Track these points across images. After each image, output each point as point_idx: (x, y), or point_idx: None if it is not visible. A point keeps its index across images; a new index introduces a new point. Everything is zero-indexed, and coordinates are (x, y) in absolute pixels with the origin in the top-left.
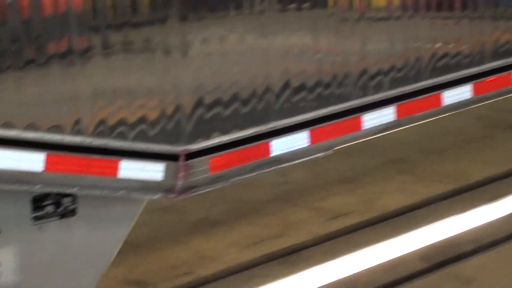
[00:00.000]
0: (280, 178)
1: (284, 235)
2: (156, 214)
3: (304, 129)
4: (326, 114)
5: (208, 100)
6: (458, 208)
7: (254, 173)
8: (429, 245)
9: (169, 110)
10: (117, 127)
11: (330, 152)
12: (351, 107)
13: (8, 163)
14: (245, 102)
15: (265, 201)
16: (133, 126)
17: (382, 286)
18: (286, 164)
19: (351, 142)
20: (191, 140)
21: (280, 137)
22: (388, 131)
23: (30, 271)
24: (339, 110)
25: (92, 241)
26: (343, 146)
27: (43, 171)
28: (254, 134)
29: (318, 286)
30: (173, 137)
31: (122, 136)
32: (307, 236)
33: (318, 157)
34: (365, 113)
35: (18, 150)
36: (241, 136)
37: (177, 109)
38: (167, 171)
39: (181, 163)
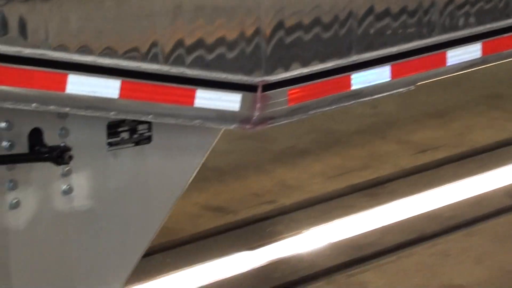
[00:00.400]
0: (370, 109)
1: (370, 167)
2: (242, 142)
3: (386, 64)
4: (409, 49)
5: (289, 23)
6: None
7: (333, 106)
8: None
9: (249, 32)
10: (195, 50)
11: (412, 87)
12: (435, 42)
13: (84, 89)
14: (327, 27)
15: (354, 132)
16: (211, 48)
17: (466, 221)
18: (366, 98)
19: (434, 78)
20: (270, 71)
21: (361, 71)
22: (473, 68)
23: (102, 197)
24: (423, 45)
25: (165, 169)
26: (425, 81)
27: (118, 97)
28: (335, 67)
29: (401, 219)
30: (251, 66)
31: (199, 62)
32: (393, 169)
33: (399, 92)
34: (450, 49)
35: (94, 76)
36: (322, 69)
37: (257, 31)
38: (243, 101)
39: (258, 94)
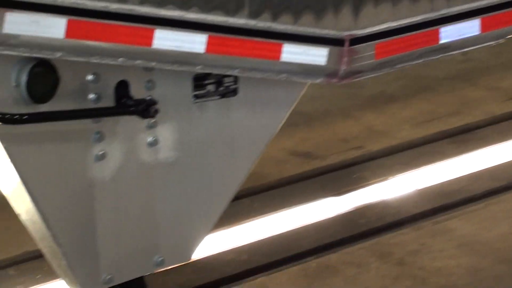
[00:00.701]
0: (461, 56)
1: (459, 114)
2: (330, 88)
3: (476, 17)
4: (499, 2)
5: None
6: None
7: (421, 60)
8: None
9: None
10: (282, 3)
11: (501, 40)
12: None
13: (170, 44)
14: None
15: (443, 78)
16: (298, 2)
17: None
18: (455, 52)
19: None
20: (357, 25)
21: (450, 25)
22: None
23: (187, 149)
24: None
25: (250, 122)
26: None
27: (205, 52)
28: (424, 20)
29: (490, 166)
30: (338, 20)
31: (286, 16)
32: (482, 116)
33: (489, 45)
34: None
35: (181, 31)
36: (410, 22)
37: None
38: (330, 55)
39: (346, 48)
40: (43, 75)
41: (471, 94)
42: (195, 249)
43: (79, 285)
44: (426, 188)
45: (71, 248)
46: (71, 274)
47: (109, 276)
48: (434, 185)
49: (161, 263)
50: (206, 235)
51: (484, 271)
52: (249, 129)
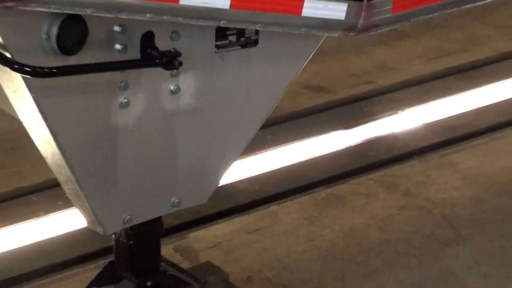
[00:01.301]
0: None
1: (468, 50)
2: None
3: None
4: None
5: None
6: None
7: (436, 14)
8: None
9: None
10: None
11: None
12: None
13: (197, 0)
14: None
15: (453, 16)
16: None
17: None
18: (467, 6)
19: None
20: None
21: None
22: None
23: (207, 97)
24: None
25: (269, 72)
26: None
27: (229, 8)
28: None
29: (496, 102)
30: None
31: None
32: (490, 53)
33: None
34: None
35: None
36: None
37: None
38: (349, 10)
39: (364, 3)
40: (73, 27)
41: (480, 31)
42: (211, 192)
43: (100, 225)
44: (433, 122)
45: (93, 191)
46: (93, 215)
47: (128, 217)
48: (441, 120)
49: (177, 204)
50: (221, 177)
51: (486, 202)
52: (268, 78)
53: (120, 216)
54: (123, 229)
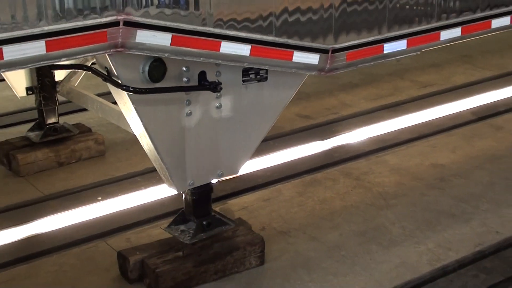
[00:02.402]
0: (395, 62)
1: (394, 95)
2: (320, 78)
3: (404, 38)
4: (417, 30)
5: (349, 8)
6: (498, 86)
7: (372, 63)
8: (478, 106)
9: (326, 16)
10: (294, 26)
11: (419, 52)
12: (433, 27)
13: (230, 50)
14: (371, 15)
15: (385, 74)
16: (303, 25)
17: (447, 127)
18: (391, 59)
19: (432, 47)
20: (336, 43)
21: (390, 42)
22: (455, 42)
23: (238, 110)
24: (425, 28)
25: (274, 96)
26: (425, 49)
27: (249, 55)
28: (373, 40)
29: (406, 126)
30: (326, 37)
31: (296, 34)
32: (406, 96)
33: (411, 55)
34: (443, 30)
35: (236, 42)
36: (366, 41)
37: (330, 16)
38: (320, 59)
39: (329, 54)
40: (157, 66)
41: (400, 84)
42: (240, 167)
43: (175, 186)
44: (373, 137)
45: (171, 165)
46: (171, 180)
47: (191, 181)
48: (377, 135)
49: (221, 175)
50: (247, 160)
51: (404, 184)
52: (273, 99)
53: (187, 181)
54: (189, 189)
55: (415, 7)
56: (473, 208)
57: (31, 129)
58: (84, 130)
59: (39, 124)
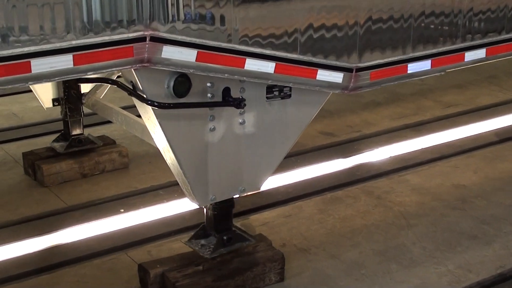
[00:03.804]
0: (419, 81)
1: (417, 114)
2: (344, 96)
3: (429, 58)
4: (443, 51)
5: (374, 25)
6: None
7: (396, 82)
8: (501, 127)
9: (351, 33)
10: (318, 44)
11: (443, 73)
12: (458, 48)
13: (254, 67)
14: (396, 33)
15: (409, 94)
16: (328, 42)
17: (469, 148)
18: (416, 78)
19: (456, 68)
20: (360, 61)
21: (415, 62)
22: (480, 63)
23: (261, 126)
24: (451, 49)
25: (298, 113)
26: (449, 70)
27: (273, 72)
28: (399, 59)
29: (435, 144)
30: (350, 55)
31: (320, 50)
32: (430, 116)
33: (437, 75)
34: (468, 51)
35: (261, 60)
36: (391, 60)
37: (355, 34)
38: (344, 77)
39: (353, 73)
40: (182, 81)
41: (424, 103)
42: (262, 184)
43: (197, 201)
44: (395, 155)
45: (193, 180)
46: (193, 195)
47: (213, 196)
48: (400, 154)
49: (243, 191)
50: (269, 176)
51: (425, 205)
52: (296, 116)
53: (209, 196)
54: (210, 204)
55: (439, 27)
56: (494, 230)
57: (56, 140)
58: (108, 142)
59: (64, 135)
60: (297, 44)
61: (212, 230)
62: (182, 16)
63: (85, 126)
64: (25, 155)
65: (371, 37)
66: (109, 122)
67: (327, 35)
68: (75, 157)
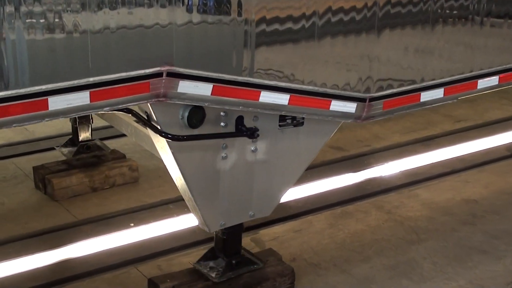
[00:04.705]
0: None
1: (427, 129)
2: None
3: (441, 87)
4: (453, 80)
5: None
6: None
7: (408, 111)
8: None
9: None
10: (331, 76)
11: (455, 100)
12: (471, 76)
13: (269, 99)
14: (405, 66)
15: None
16: (341, 76)
17: (480, 162)
18: (429, 106)
19: (469, 95)
20: (373, 91)
21: (428, 91)
22: (492, 90)
23: (273, 154)
24: (463, 78)
25: (309, 141)
26: (465, 97)
27: (288, 104)
28: (411, 89)
29: (443, 159)
30: (363, 87)
31: (334, 84)
32: (440, 130)
33: (449, 102)
34: (480, 79)
35: (275, 92)
36: (403, 90)
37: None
38: (357, 107)
39: (366, 103)
40: (197, 113)
41: (434, 118)
42: (272, 209)
43: (207, 227)
44: (405, 170)
45: (204, 206)
46: (203, 219)
47: (223, 222)
48: (410, 169)
49: (252, 216)
50: (279, 201)
51: (436, 220)
52: (308, 144)
53: (218, 221)
54: (220, 229)
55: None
56: (505, 245)
57: (64, 145)
58: (118, 156)
59: (72, 141)
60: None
61: (221, 253)
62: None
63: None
64: (35, 169)
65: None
66: (119, 136)
67: (341, 81)
68: (85, 171)
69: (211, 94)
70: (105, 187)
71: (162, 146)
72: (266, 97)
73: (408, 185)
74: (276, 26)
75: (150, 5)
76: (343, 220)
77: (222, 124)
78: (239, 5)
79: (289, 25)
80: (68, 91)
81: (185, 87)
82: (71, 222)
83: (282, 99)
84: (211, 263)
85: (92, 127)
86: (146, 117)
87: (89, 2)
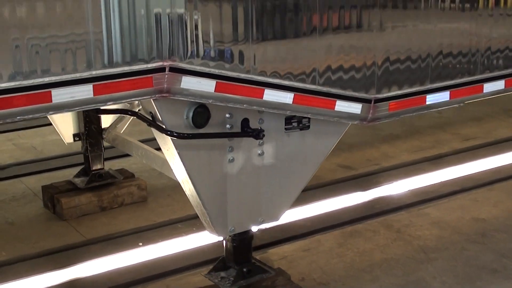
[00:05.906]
0: (437, 114)
1: (435, 147)
2: (363, 129)
3: (447, 90)
4: (461, 82)
5: (391, 59)
6: None
7: (414, 113)
8: None
9: (369, 64)
10: (336, 75)
11: (462, 104)
12: (476, 79)
13: (273, 97)
14: (414, 64)
15: (427, 126)
16: (346, 74)
17: (489, 181)
18: (434, 110)
19: (475, 99)
20: (378, 93)
21: (433, 93)
22: (498, 95)
23: (280, 157)
24: (469, 80)
25: (316, 145)
26: (469, 101)
27: (292, 103)
28: (416, 91)
29: (448, 178)
30: (369, 87)
31: (339, 83)
32: (448, 149)
33: (454, 107)
34: (485, 83)
35: (279, 90)
36: (409, 91)
37: (373, 64)
38: (363, 108)
39: (372, 104)
40: (201, 112)
41: (442, 136)
42: (281, 215)
43: (216, 232)
44: (414, 189)
45: (212, 211)
46: (212, 226)
47: (232, 228)
48: (419, 187)
49: (261, 222)
50: (288, 207)
51: (445, 239)
52: (315, 149)
53: (228, 227)
54: (230, 235)
55: (458, 66)
56: None
57: (77, 175)
58: (127, 176)
59: (85, 170)
60: (316, 81)
61: (231, 262)
62: (201, 52)
63: (104, 159)
64: (44, 188)
65: (389, 77)
66: (128, 155)
67: (345, 76)
68: (94, 191)
69: (215, 91)
70: (113, 206)
71: (168, 148)
72: (270, 95)
73: (417, 204)
74: None
75: None
76: (352, 239)
77: (227, 126)
78: None
79: None
80: (72, 83)
81: (188, 82)
82: (80, 241)
83: (286, 97)
84: (222, 273)
85: (104, 156)
86: (151, 118)
87: None
